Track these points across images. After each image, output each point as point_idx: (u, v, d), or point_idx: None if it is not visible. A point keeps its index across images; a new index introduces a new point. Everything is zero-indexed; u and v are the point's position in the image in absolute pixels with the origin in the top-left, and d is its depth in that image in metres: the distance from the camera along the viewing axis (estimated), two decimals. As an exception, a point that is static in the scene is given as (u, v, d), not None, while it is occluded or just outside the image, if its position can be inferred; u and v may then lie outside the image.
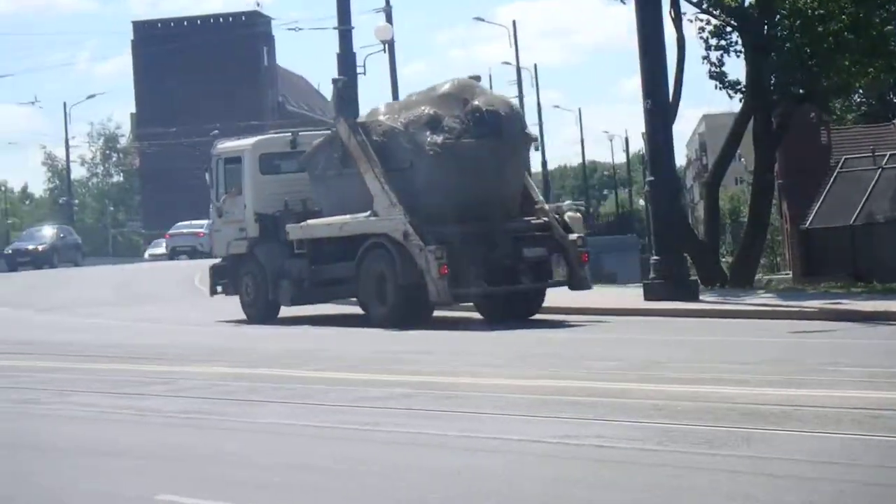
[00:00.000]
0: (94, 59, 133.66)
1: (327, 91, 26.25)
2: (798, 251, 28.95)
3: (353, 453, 7.00)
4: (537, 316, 16.74)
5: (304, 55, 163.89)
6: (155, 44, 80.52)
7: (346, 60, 23.89)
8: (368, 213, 16.47)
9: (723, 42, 22.29)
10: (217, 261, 19.74)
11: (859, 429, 7.01)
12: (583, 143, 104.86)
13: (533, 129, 64.37)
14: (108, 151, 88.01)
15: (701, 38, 22.36)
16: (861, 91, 33.53)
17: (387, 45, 30.28)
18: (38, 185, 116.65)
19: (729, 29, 22.25)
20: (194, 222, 43.13)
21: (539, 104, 61.85)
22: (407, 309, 15.96)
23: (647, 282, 18.31)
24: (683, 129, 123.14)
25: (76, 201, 76.74)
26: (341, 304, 18.75)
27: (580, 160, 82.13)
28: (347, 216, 16.83)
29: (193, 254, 40.66)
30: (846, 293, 18.23)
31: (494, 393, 9.10)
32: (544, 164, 63.59)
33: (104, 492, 6.32)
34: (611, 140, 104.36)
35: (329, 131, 17.91)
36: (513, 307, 16.55)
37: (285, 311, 18.33)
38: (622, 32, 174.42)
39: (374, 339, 14.78)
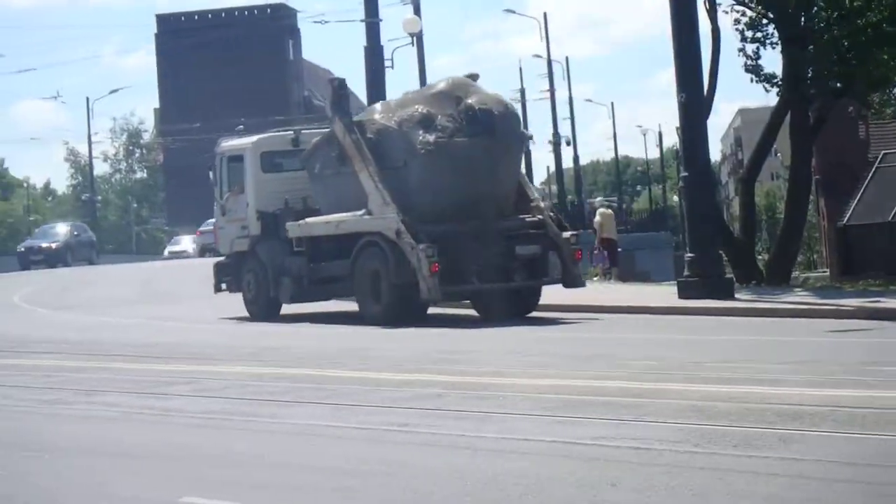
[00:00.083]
0: (118, 53, 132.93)
1: (354, 85, 26.15)
2: (835, 248, 28.58)
3: (385, 455, 6.90)
4: (562, 314, 16.66)
5: (331, 48, 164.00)
6: (179, 37, 79.61)
7: (374, 54, 23.76)
8: (363, 211, 16.67)
9: (759, 34, 22.03)
10: (221, 258, 19.96)
11: (899, 430, 6.88)
12: (615, 137, 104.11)
13: (564, 124, 63.38)
14: (131, 147, 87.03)
15: (736, 29, 22.16)
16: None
17: (415, 38, 30.01)
18: (61, 182, 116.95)
19: (765, 20, 21.97)
20: None
21: (571, 98, 61.88)
22: (400, 307, 16.12)
23: (682, 280, 18.12)
24: (718, 124, 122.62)
25: (99, 198, 76.22)
26: (342, 301, 18.74)
27: (613, 155, 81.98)
28: (344, 214, 17.06)
29: None
30: (885, 291, 18.04)
31: (526, 393, 8.97)
32: (576, 159, 63.48)
33: (127, 495, 6.25)
34: (644, 135, 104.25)
35: (328, 129, 18.04)
36: (508, 305, 16.68)
37: (286, 309, 18.53)
38: (657, 24, 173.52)
39: (399, 338, 14.68)
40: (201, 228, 44.76)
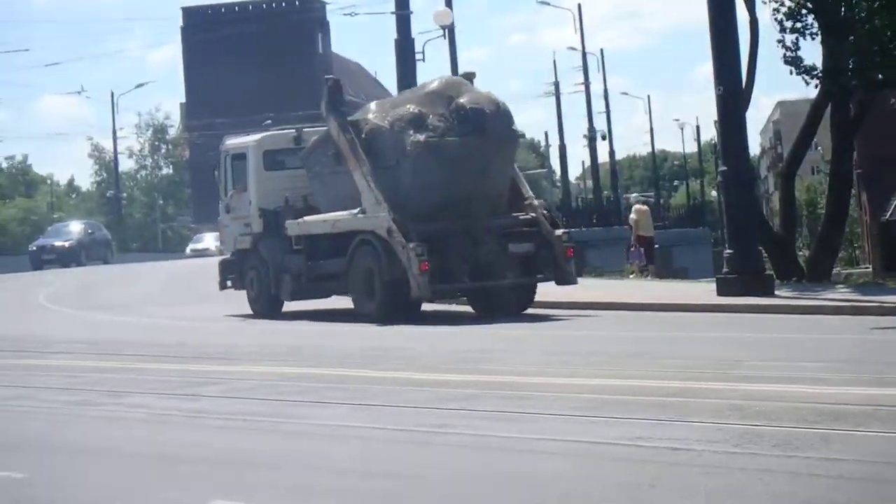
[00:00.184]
0: (143, 47, 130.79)
1: (385, 78, 25.99)
2: (878, 244, 28.20)
3: (418, 458, 6.80)
4: (594, 312, 16.54)
5: (361, 42, 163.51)
6: (205, 30, 78.41)
7: (405, 46, 23.60)
8: (358, 210, 16.90)
9: (798, 25, 21.68)
10: (226, 256, 20.23)
11: (945, 430, 6.73)
12: (652, 131, 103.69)
13: (600, 118, 62.70)
14: (156, 143, 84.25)
15: (775, 20, 21.82)
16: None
17: (446, 31, 29.72)
18: (85, 178, 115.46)
19: (804, 11, 21.62)
20: None
21: (606, 91, 61.32)
22: (393, 305, 16.32)
23: (720, 276, 17.92)
24: (757, 117, 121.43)
25: (124, 195, 74.67)
26: (342, 299, 18.70)
27: (649, 149, 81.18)
28: (340, 213, 17.31)
29: None
30: (929, 287, 17.76)
31: (558, 392, 8.82)
32: (612, 153, 62.89)
33: (155, 498, 6.17)
34: (681, 128, 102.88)
35: (326, 128, 18.16)
36: (502, 302, 16.81)
37: (287, 306, 18.70)
38: (694, 15, 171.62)
39: (420, 337, 14.58)
40: None
